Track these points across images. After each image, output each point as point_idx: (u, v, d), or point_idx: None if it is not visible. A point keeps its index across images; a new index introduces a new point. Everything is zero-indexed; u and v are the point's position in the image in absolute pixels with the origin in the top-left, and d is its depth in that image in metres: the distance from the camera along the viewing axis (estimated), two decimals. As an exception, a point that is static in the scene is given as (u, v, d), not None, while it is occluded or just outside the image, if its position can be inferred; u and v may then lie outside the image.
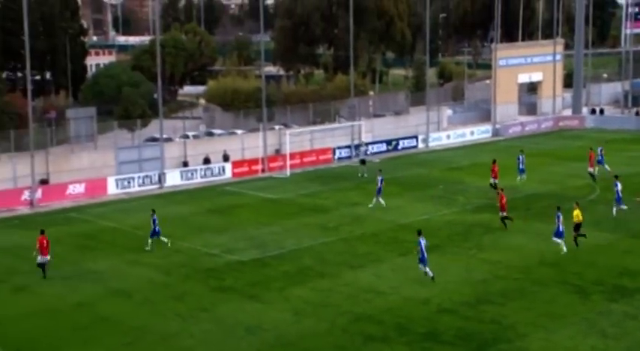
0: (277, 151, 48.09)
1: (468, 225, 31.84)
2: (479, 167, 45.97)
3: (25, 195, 37.19)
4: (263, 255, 28.00)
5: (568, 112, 68.54)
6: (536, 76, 67.31)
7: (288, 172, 44.96)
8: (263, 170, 45.87)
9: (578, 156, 48.82)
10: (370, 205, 35.15)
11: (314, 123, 56.76)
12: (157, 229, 28.54)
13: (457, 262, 26.79)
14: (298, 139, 48.47)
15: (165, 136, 44.86)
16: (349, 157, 50.80)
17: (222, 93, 65.81)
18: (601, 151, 42.50)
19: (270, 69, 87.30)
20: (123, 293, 23.97)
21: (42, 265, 25.58)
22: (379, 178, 35.73)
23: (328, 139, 50.30)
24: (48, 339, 20.56)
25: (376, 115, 60.36)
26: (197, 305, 22.78)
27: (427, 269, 24.51)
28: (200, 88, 77.19)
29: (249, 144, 47.23)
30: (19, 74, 68.37)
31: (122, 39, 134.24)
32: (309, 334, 20.63)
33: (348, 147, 51.23)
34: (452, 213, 34.19)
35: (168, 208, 36.61)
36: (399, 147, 53.92)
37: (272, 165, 46.42)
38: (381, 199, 35.22)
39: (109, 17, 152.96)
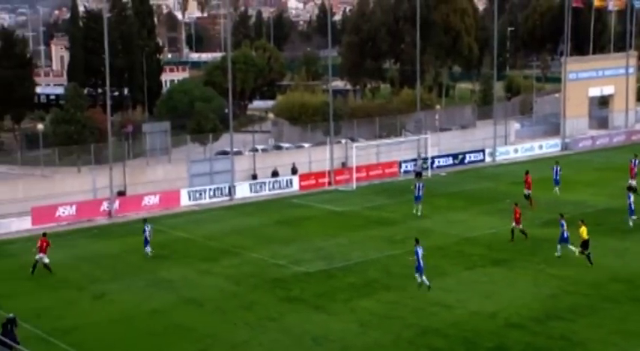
0: (344, 165, 48.16)
1: (536, 239, 31.19)
2: (547, 181, 44.94)
3: (104, 206, 38.49)
4: (329, 266, 28.12)
5: (642, 126, 66.29)
6: (607, 90, 65.29)
7: (354, 185, 45.02)
8: (330, 183, 46.04)
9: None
10: (418, 214, 35.81)
11: (380, 137, 56.58)
12: (147, 238, 29.68)
13: (525, 276, 26.29)
14: (364, 153, 48.47)
15: (235, 149, 45.59)
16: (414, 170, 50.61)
17: (291, 107, 66.61)
18: (636, 162, 40.84)
19: (338, 83, 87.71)
20: (195, 302, 24.50)
21: (36, 263, 27.63)
22: (419, 184, 36.37)
23: (394, 152, 50.11)
24: (124, 345, 21.22)
25: (442, 129, 59.66)
26: (265, 315, 23.06)
27: (423, 278, 24.51)
28: (269, 103, 78.31)
29: (316, 157, 47.55)
30: (100, 90, 70.91)
31: (195, 56, 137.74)
32: (375, 346, 20.57)
33: (414, 160, 50.89)
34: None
35: (238, 219, 37.21)
36: (466, 161, 53.11)
37: (338, 178, 46.53)
38: (419, 206, 36.04)
39: (183, 35, 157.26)
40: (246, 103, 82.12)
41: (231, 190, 42.59)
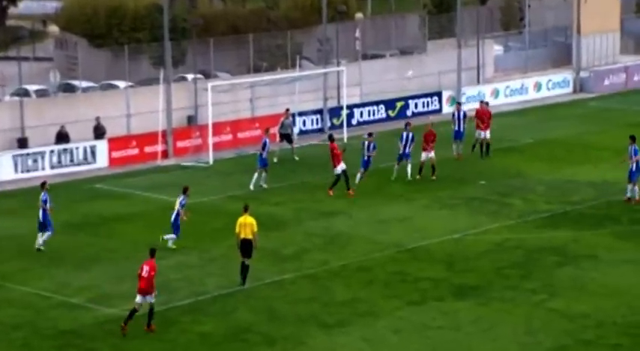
0: (191, 120, 48.10)
1: (530, 250, 32.04)
2: (551, 147, 46.22)
3: None
4: (166, 305, 27.86)
5: None
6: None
7: (210, 156, 44.97)
8: (165, 154, 45.94)
9: None
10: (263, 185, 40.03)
11: (257, 70, 56.42)
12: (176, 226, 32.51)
13: (511, 315, 26.91)
14: (229, 99, 48.39)
15: (-15, 91, 44.50)
16: (321, 130, 50.63)
17: (90, 14, 65.17)
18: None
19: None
20: None
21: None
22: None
23: (282, 98, 50.17)
24: None
25: (368, 56, 60.25)
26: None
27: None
28: (50, 5, 76.34)
29: (141, 107, 47.20)
30: None
31: None
32: None
33: (319, 112, 51.05)
34: (502, 229, 34.41)
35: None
36: (409, 112, 54.01)
37: (181, 144, 46.54)
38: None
39: None
40: (6, 6, 79.84)
41: (-23, 168, 41.80)
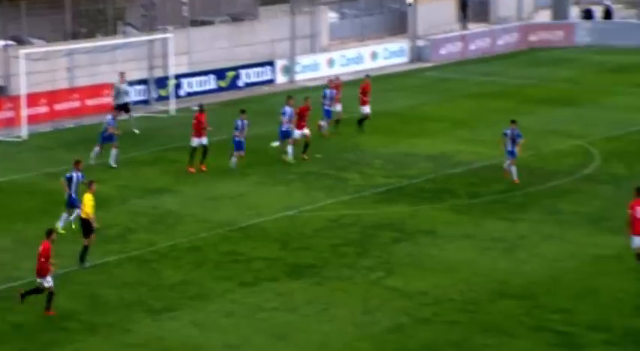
0: (2, 91, 47.46)
1: (367, 226, 32.39)
2: (388, 119, 46.68)
3: None
4: (-24, 293, 27.21)
5: (545, 18, 71.21)
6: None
7: (24, 130, 44.21)
8: (-28, 127, 45.07)
9: (564, 97, 50.72)
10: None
11: (75, 37, 55.38)
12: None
13: (348, 294, 27.12)
14: (45, 68, 47.61)
15: None
16: (146, 102, 50.07)
17: None
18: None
19: None
20: None
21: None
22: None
23: (104, 67, 49.62)
24: None
25: (197, 23, 59.74)
26: None
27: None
28: None
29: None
30: None
31: None
32: None
33: (144, 83, 50.44)
34: (338, 204, 34.70)
35: None
36: (240, 83, 54.24)
37: (-9, 117, 45.68)
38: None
39: None
40: None
41: None
